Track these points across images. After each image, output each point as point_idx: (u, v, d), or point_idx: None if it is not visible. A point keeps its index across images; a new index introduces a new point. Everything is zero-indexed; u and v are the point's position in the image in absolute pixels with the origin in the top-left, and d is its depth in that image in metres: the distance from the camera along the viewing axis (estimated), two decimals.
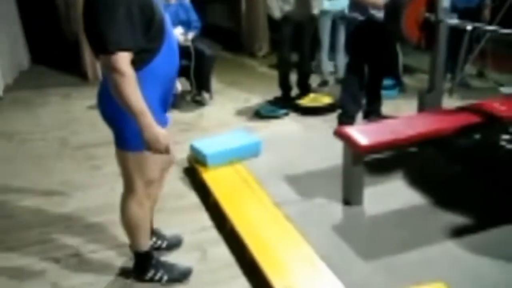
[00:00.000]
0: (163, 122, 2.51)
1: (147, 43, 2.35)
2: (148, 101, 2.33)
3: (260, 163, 4.12)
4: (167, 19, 2.50)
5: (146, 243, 2.88)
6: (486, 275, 2.78)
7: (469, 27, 3.89)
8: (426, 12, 4.08)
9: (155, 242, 3.14)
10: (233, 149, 4.11)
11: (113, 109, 2.42)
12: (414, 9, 4.07)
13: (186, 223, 3.47)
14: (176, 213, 3.60)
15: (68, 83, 7.03)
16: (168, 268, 2.96)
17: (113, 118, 2.51)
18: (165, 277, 2.93)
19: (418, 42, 4.20)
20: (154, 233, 3.13)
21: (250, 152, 4.18)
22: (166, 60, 2.47)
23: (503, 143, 4.19)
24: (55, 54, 8.27)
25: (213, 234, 3.37)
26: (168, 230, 3.26)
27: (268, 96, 5.96)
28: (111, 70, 2.22)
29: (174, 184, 3.97)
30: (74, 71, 7.32)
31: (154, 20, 2.35)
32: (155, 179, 2.73)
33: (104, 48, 2.21)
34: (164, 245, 3.18)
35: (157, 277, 2.93)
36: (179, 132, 5.01)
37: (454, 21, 4.06)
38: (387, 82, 5.96)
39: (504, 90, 6.28)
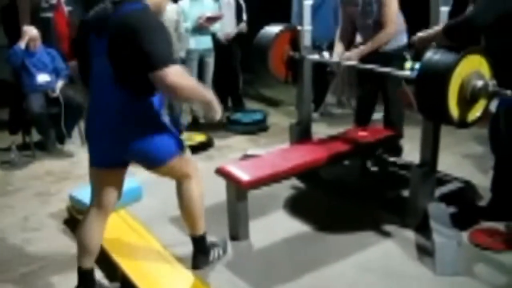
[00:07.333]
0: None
1: None
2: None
3: (143, 207, 4.11)
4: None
5: (204, 224, 3.21)
6: None
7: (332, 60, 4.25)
8: (290, 50, 4.37)
9: None
10: None
11: (137, 139, 2.76)
12: (279, 48, 4.34)
13: (76, 278, 3.36)
14: (63, 269, 3.45)
15: None
16: (216, 243, 3.35)
17: (141, 147, 2.79)
18: (221, 252, 3.35)
19: (285, 78, 4.47)
20: None
21: (132, 197, 4.15)
22: None
23: (369, 166, 4.55)
24: None
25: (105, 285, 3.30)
26: None
27: None
28: (171, 79, 2.53)
29: (57, 238, 3.86)
30: None
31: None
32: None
33: (159, 65, 2.52)
34: None
35: (216, 255, 3.31)
36: (54, 183, 4.88)
37: (316, 57, 4.37)
38: None
39: None
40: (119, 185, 3.05)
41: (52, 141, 5.66)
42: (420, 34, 3.53)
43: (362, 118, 4.72)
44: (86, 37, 2.83)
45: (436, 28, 3.34)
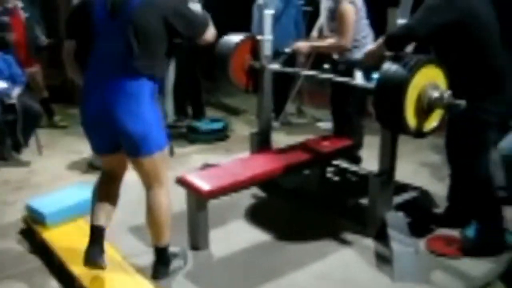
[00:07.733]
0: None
1: None
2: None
3: None
4: None
5: (169, 235, 3.15)
6: None
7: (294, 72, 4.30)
8: (251, 59, 4.39)
9: None
10: (72, 205, 3.98)
11: (141, 119, 2.83)
12: (240, 57, 4.35)
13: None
14: (18, 281, 3.38)
15: None
16: (176, 253, 3.30)
17: (142, 128, 2.84)
18: (181, 263, 3.32)
19: (246, 87, 4.48)
20: None
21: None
22: None
23: (329, 175, 4.59)
24: None
25: None
26: None
27: None
28: (214, 37, 3.16)
29: (12, 249, 3.76)
30: None
31: None
32: None
33: (203, 30, 3.06)
34: None
35: (177, 265, 3.28)
36: (10, 192, 4.76)
37: (276, 67, 4.40)
38: None
39: (321, 125, 6.84)
40: (124, 162, 3.15)
41: (8, 149, 5.53)
42: (367, 48, 3.70)
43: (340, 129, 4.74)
44: (88, 18, 2.87)
45: (380, 40, 3.40)
